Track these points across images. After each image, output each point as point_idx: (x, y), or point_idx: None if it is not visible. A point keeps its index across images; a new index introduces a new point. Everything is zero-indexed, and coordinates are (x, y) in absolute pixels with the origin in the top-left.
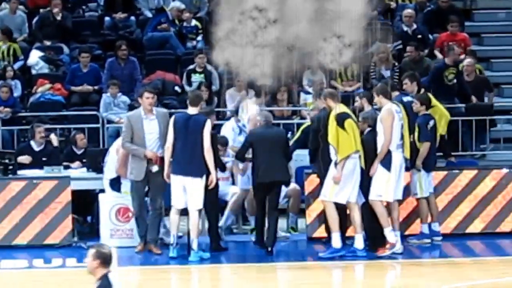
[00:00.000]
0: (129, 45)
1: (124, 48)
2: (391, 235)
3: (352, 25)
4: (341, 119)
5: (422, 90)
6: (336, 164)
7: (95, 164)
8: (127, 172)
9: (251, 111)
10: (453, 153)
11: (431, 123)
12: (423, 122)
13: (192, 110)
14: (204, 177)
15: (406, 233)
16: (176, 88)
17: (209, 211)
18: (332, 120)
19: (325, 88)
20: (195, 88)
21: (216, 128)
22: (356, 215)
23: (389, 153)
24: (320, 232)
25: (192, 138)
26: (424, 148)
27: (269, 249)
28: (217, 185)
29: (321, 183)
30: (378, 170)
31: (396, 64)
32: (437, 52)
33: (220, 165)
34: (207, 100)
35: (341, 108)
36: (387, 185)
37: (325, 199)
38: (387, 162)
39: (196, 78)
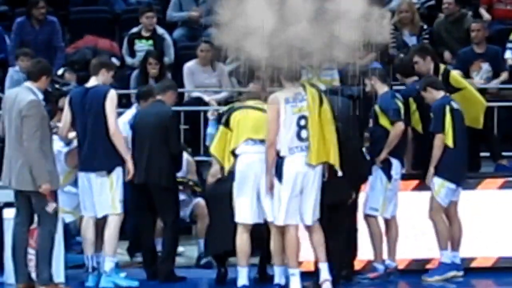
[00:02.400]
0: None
1: (42, 5)
2: (293, 281)
3: None
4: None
5: (443, 68)
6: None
7: None
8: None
9: None
10: (505, 153)
11: (448, 107)
12: (438, 105)
13: (91, 82)
14: (118, 170)
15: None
16: (113, 59)
17: (165, 226)
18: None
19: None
20: (141, 59)
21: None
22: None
23: (280, 158)
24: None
25: (91, 119)
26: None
27: None
28: (176, 193)
29: None
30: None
31: (426, 27)
32: (483, 11)
33: (178, 164)
34: (157, 77)
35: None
36: (278, 204)
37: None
38: (278, 171)
39: (142, 45)
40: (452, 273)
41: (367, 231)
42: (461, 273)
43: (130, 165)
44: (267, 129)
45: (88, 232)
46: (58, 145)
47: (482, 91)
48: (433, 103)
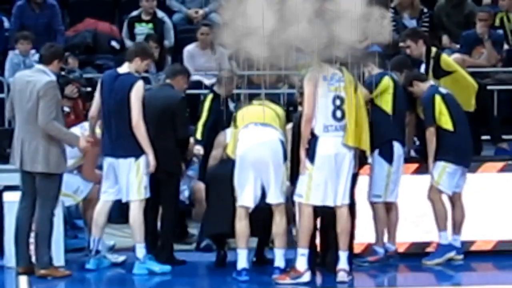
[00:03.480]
0: None
1: None
2: (301, 261)
3: None
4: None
5: (434, 51)
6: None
7: None
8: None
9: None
10: (505, 137)
11: (438, 95)
12: (426, 97)
13: (124, 68)
14: (142, 158)
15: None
16: (113, 43)
17: (164, 211)
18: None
19: None
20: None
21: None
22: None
23: (314, 137)
24: None
25: (116, 106)
26: (428, 134)
27: None
28: (179, 180)
29: None
30: (303, 163)
31: (425, 10)
32: None
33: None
34: (157, 61)
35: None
36: (309, 185)
37: None
38: (311, 152)
39: (142, 29)
40: (451, 254)
41: (371, 215)
42: (461, 256)
43: (151, 158)
44: (304, 104)
45: (101, 215)
46: (74, 130)
47: (482, 74)
48: (422, 95)
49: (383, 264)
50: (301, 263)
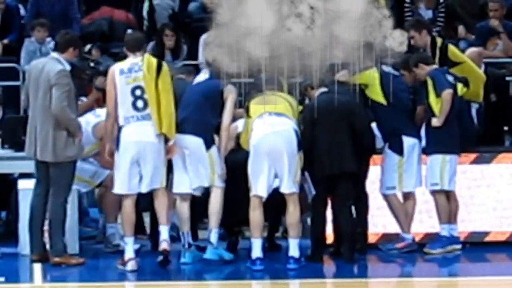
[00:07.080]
0: None
1: None
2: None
3: None
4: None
5: (440, 42)
6: None
7: (14, 137)
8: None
9: None
10: None
11: (449, 77)
12: (436, 73)
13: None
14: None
15: None
16: (129, 31)
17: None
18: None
19: None
20: (158, 30)
21: None
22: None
23: (119, 128)
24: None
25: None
26: (445, 97)
27: None
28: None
29: None
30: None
31: (441, 0)
32: None
33: None
34: (173, 49)
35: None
36: (116, 172)
37: None
38: (116, 140)
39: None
40: (452, 247)
41: (388, 207)
42: (459, 246)
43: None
44: (106, 101)
45: (184, 208)
46: (87, 117)
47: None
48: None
49: (397, 255)
50: (128, 251)
